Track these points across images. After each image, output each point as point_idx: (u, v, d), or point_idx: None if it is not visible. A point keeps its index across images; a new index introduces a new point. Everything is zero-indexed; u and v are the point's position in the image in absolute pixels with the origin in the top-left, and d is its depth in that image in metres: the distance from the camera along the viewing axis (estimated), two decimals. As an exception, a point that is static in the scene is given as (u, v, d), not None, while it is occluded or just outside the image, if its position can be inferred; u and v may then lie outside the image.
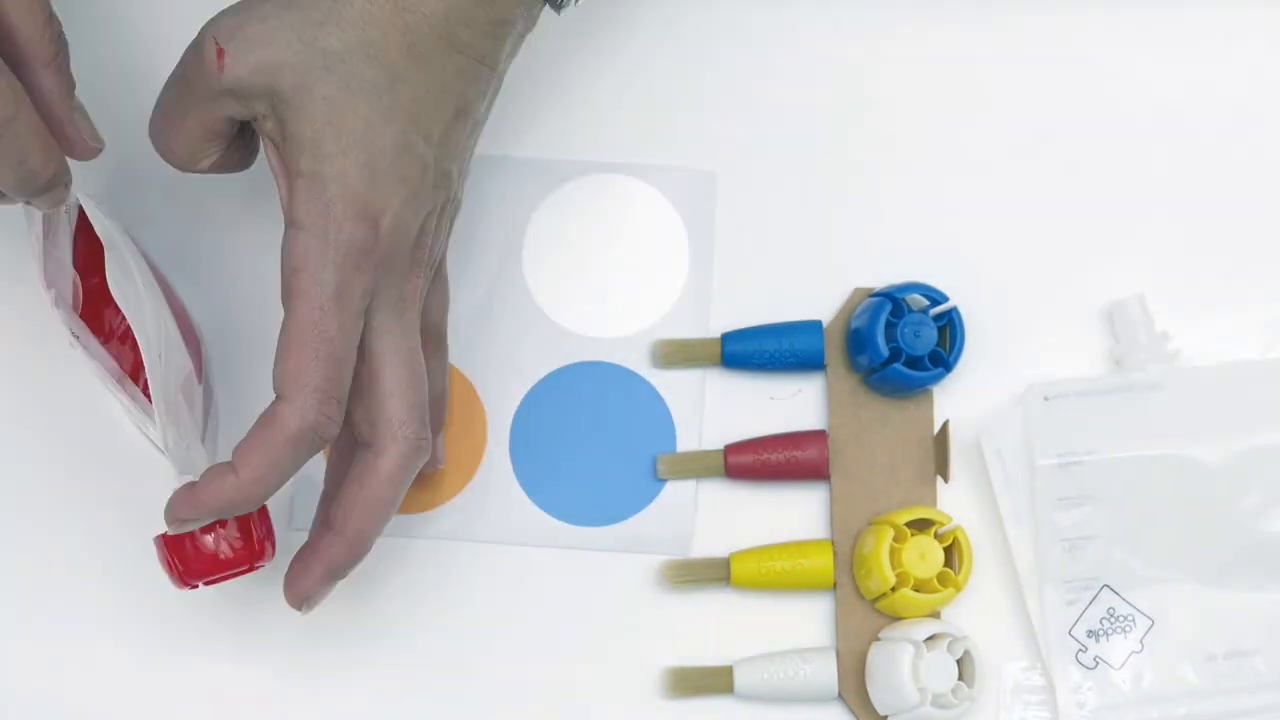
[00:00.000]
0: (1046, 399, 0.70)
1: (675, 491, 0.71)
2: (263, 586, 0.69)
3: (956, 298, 0.70)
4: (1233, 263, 0.74)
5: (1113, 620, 0.70)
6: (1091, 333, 0.73)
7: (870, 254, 0.73)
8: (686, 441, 0.72)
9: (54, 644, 0.70)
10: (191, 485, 0.60)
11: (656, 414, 0.72)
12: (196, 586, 0.62)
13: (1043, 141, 0.74)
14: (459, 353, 0.71)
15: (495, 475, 0.71)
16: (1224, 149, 0.74)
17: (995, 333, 0.72)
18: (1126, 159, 0.74)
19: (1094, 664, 0.70)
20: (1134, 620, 0.70)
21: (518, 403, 0.72)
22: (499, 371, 0.72)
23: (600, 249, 0.73)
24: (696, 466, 0.71)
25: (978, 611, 0.71)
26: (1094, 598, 0.70)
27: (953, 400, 0.72)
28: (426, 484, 0.71)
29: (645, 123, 0.74)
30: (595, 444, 0.72)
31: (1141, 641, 0.70)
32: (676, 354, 0.72)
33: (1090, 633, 0.70)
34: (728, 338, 0.72)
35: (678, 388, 0.72)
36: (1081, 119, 0.74)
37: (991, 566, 0.71)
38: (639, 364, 0.72)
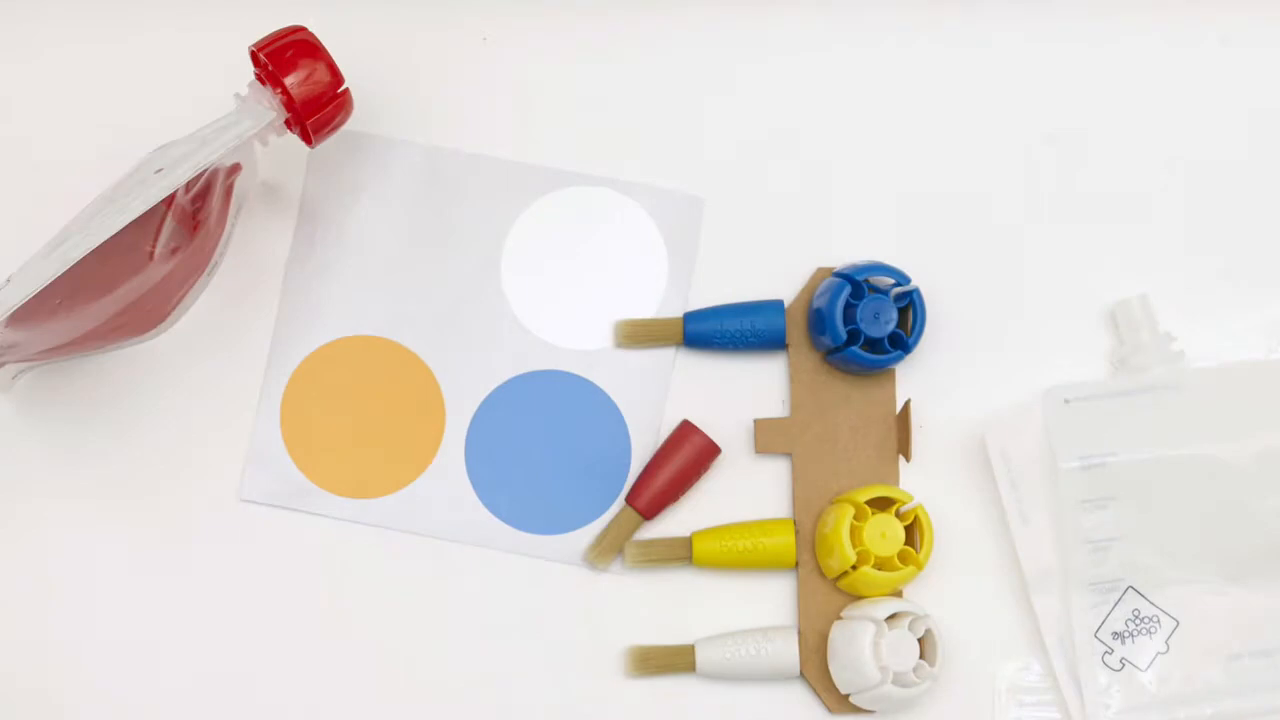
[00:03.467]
0: (1067, 401, 0.70)
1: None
2: (206, 571, 0.71)
3: (955, 297, 0.71)
4: (1234, 263, 0.73)
5: (1138, 622, 0.70)
6: (1090, 332, 0.73)
7: (862, 255, 0.73)
8: (640, 460, 0.72)
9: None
10: None
11: (614, 432, 0.72)
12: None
13: (1043, 142, 0.74)
14: (426, 344, 0.72)
15: (448, 471, 0.72)
16: (1225, 149, 0.74)
17: (990, 329, 0.72)
18: (1127, 159, 0.74)
19: (1120, 666, 0.70)
20: (1159, 621, 0.70)
21: (479, 402, 0.72)
22: (464, 368, 0.72)
23: (580, 260, 0.73)
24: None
25: (939, 590, 0.71)
26: (1119, 599, 0.70)
27: (942, 387, 0.72)
28: (380, 469, 0.72)
29: (638, 140, 0.73)
30: (549, 453, 0.72)
31: (1167, 642, 0.70)
32: (639, 333, 0.72)
33: (1116, 635, 0.70)
34: (690, 317, 0.72)
35: (638, 408, 0.72)
36: (1083, 117, 0.74)
37: (953, 548, 0.71)
38: (603, 378, 0.72)
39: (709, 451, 0.71)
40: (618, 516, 0.71)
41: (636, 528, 0.71)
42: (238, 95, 0.68)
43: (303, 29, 0.67)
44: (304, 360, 0.72)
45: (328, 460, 0.71)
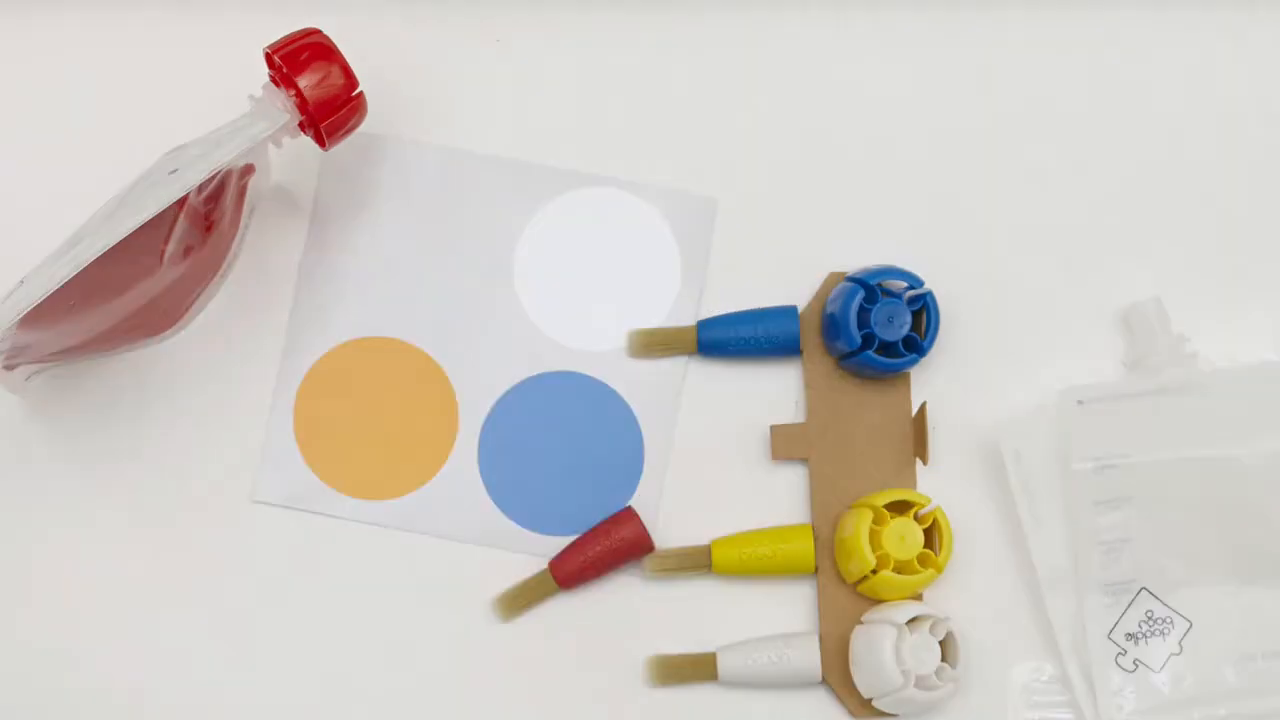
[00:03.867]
0: (1080, 403, 0.70)
1: (641, 501, 0.71)
2: (219, 572, 0.70)
3: (969, 300, 0.71)
4: (1248, 265, 0.74)
5: (1151, 623, 0.70)
6: (1104, 334, 0.73)
7: (874, 258, 0.72)
8: (653, 462, 0.71)
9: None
10: None
11: (627, 433, 0.72)
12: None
13: (1053, 142, 0.74)
14: (439, 346, 0.71)
15: (461, 473, 0.71)
16: (1239, 150, 0.74)
17: (1003, 331, 0.73)
18: (1138, 160, 0.74)
19: (1134, 667, 0.70)
20: (1172, 622, 0.70)
21: (492, 403, 0.72)
22: (477, 369, 0.72)
23: (593, 261, 0.72)
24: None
25: (956, 592, 0.71)
26: (1132, 601, 0.70)
27: (958, 390, 0.72)
28: (393, 471, 0.71)
29: (651, 141, 0.73)
30: (562, 455, 0.71)
31: (1180, 644, 0.70)
32: (653, 342, 0.72)
33: (1129, 636, 0.70)
34: (703, 325, 0.72)
35: (652, 409, 0.72)
36: (1093, 119, 0.74)
37: (969, 550, 0.71)
38: (616, 380, 0.72)
39: (641, 544, 0.70)
40: (535, 577, 0.70)
41: (550, 595, 0.70)
42: (252, 97, 0.67)
43: (317, 31, 0.67)
44: (317, 361, 0.71)
45: (341, 462, 0.71)
